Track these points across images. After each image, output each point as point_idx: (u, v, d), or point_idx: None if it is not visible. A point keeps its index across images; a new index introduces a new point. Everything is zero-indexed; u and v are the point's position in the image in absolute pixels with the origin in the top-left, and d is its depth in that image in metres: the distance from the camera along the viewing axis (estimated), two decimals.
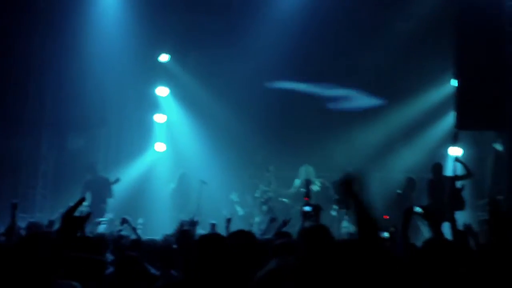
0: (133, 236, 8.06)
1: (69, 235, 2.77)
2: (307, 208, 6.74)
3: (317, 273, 3.85)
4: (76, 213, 3.13)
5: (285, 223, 8.43)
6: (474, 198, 13.31)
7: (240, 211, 14.84)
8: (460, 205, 11.44)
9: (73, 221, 2.80)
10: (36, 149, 14.23)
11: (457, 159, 11.45)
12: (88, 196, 12.98)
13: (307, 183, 8.78)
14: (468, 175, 11.59)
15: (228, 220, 8.75)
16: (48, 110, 14.18)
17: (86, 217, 2.90)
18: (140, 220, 8.97)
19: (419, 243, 6.53)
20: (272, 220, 8.88)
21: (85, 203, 12.65)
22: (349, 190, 3.78)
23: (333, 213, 14.36)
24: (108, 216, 9.68)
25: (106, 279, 5.18)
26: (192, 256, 3.43)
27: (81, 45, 13.96)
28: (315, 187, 14.93)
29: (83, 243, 5.04)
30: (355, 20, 15.37)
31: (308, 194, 7.88)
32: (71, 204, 9.65)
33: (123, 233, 8.31)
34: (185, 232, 6.51)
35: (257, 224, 13.61)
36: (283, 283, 2.35)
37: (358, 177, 3.85)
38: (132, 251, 6.18)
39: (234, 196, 15.05)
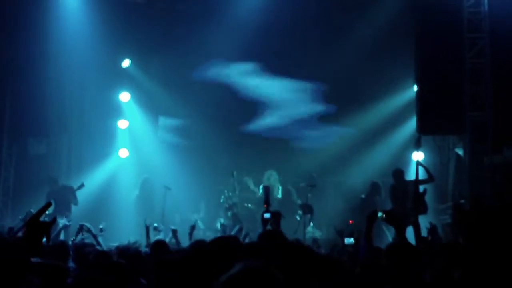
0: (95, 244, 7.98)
1: (35, 240, 2.72)
2: (266, 215, 6.72)
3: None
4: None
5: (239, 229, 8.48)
6: (437, 202, 13.49)
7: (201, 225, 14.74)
8: (423, 209, 11.57)
9: (39, 226, 2.75)
10: None
11: (418, 163, 11.57)
12: (52, 206, 12.76)
13: (266, 189, 8.74)
14: (429, 179, 11.75)
15: (192, 227, 8.73)
16: (8, 115, 13.90)
17: (51, 223, 2.85)
18: (101, 225, 8.85)
19: (384, 247, 6.61)
20: (240, 229, 8.89)
21: (47, 211, 12.45)
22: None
23: (298, 218, 14.44)
24: (62, 222, 9.56)
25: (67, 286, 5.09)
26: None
27: (42, 49, 13.74)
28: (278, 193, 15.00)
29: (45, 249, 4.95)
30: (319, 22, 15.45)
31: (267, 201, 7.84)
32: (33, 210, 9.54)
33: (87, 240, 8.20)
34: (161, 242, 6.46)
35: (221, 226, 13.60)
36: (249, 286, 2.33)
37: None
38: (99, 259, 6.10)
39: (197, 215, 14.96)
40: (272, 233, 5.40)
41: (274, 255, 4.31)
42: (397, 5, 14.08)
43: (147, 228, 8.96)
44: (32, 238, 2.72)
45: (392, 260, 4.45)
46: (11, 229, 9.46)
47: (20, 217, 11.23)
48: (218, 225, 13.88)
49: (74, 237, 8.63)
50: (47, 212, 9.15)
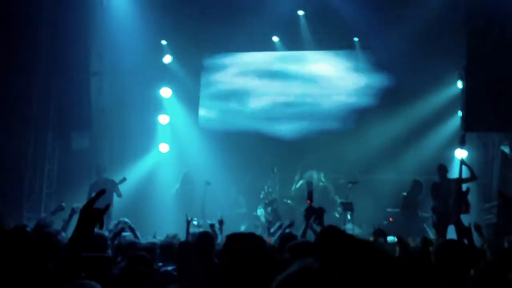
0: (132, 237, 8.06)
1: (88, 227, 2.71)
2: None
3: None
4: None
5: (290, 225, 8.38)
6: (481, 201, 13.24)
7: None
8: (466, 208, 11.34)
9: (92, 214, 2.74)
10: (40, 150, 14.20)
11: (462, 161, 11.34)
12: None
13: (309, 185, 8.67)
14: (472, 177, 11.47)
15: (221, 222, 8.66)
16: (53, 110, 14.14)
17: (104, 210, 2.82)
18: (126, 219, 8.91)
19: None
20: (280, 226, 8.82)
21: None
22: None
23: (337, 215, 14.33)
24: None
25: (113, 277, 5.13)
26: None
27: (86, 45, 13.93)
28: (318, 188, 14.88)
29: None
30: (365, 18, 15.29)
31: (310, 197, 7.78)
32: (64, 204, 9.62)
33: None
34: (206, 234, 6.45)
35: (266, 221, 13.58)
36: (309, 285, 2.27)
37: None
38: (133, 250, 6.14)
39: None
40: (333, 230, 5.27)
41: (336, 253, 4.21)
42: (445, 1, 13.81)
43: (188, 223, 8.96)
44: (86, 225, 2.71)
45: (443, 258, 4.33)
46: (39, 221, 9.56)
47: (51, 210, 11.42)
48: (259, 213, 13.89)
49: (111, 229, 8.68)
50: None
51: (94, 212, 2.75)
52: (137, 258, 4.78)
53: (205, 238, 6.08)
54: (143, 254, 4.96)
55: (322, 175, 15.21)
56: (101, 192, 2.95)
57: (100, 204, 2.86)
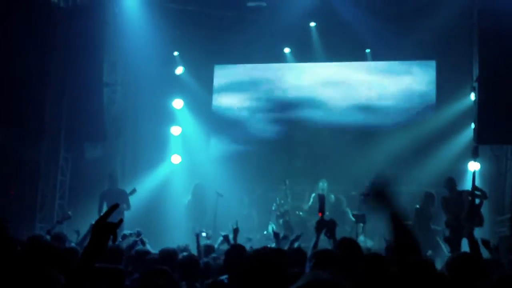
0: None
1: (102, 241, 2.73)
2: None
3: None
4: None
5: (297, 237, 8.34)
6: (494, 213, 13.14)
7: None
8: (479, 221, 11.24)
9: (105, 228, 2.76)
10: (53, 160, 14.26)
11: (474, 175, 11.26)
12: (105, 207, 12.98)
13: (321, 198, 8.62)
14: (483, 196, 11.34)
15: (235, 230, 8.59)
16: (65, 120, 14.21)
17: (118, 223, 2.84)
18: (137, 229, 8.94)
19: (440, 259, 6.45)
20: (284, 237, 8.77)
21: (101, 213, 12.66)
22: (381, 198, 3.69)
23: (348, 228, 14.25)
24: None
25: None
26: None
27: (98, 56, 14.01)
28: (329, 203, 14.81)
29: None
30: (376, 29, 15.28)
31: (322, 209, 7.75)
32: (70, 213, 9.62)
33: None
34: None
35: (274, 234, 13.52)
36: None
37: (388, 185, 3.77)
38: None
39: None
40: (348, 242, 5.28)
41: (349, 265, 4.23)
42: (457, 10, 13.78)
43: (197, 236, 8.95)
44: (99, 239, 2.73)
45: (456, 272, 4.31)
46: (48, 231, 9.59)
47: (56, 219, 11.46)
48: (270, 229, 13.84)
49: (121, 240, 8.70)
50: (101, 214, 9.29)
51: (108, 226, 2.77)
52: (155, 271, 4.77)
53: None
54: (163, 268, 4.95)
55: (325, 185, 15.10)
56: (115, 206, 2.97)
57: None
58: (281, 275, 3.24)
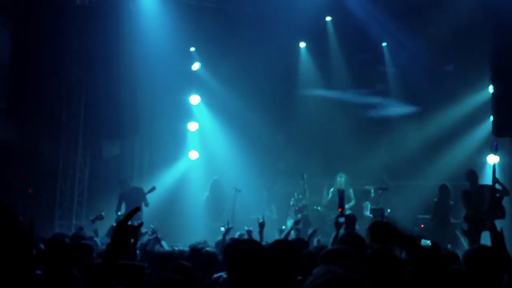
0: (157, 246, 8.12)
1: (122, 243, 2.79)
2: (341, 220, 6.62)
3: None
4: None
5: (313, 232, 8.30)
6: None
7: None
8: (500, 214, 11.18)
9: (126, 230, 2.81)
10: (72, 158, 14.37)
11: (494, 168, 11.20)
12: (123, 207, 13.08)
13: (340, 193, 8.62)
14: (505, 192, 11.28)
15: (261, 224, 8.53)
16: (83, 118, 14.32)
17: (139, 226, 2.91)
18: (152, 226, 9.01)
19: (460, 252, 6.41)
20: (314, 232, 8.71)
21: (119, 213, 12.75)
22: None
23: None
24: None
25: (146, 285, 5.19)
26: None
27: (116, 53, 14.04)
28: (351, 196, 14.78)
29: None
30: (391, 24, 15.23)
31: (342, 204, 7.76)
32: (102, 213, 9.81)
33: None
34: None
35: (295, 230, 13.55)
36: None
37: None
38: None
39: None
40: (352, 236, 5.29)
41: (356, 260, 4.24)
42: (473, 4, 13.68)
43: (226, 230, 8.89)
44: (120, 241, 2.79)
45: (473, 266, 4.28)
46: (80, 228, 9.70)
47: (90, 217, 11.58)
48: (289, 224, 13.85)
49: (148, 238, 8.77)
50: (119, 213, 9.46)
51: (129, 228, 2.83)
52: (176, 267, 4.82)
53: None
54: (183, 263, 5.00)
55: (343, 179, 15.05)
56: (136, 209, 3.05)
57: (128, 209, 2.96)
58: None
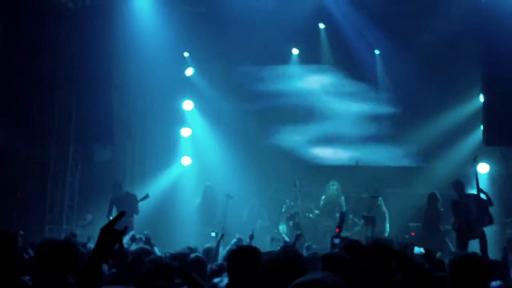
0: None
1: (107, 248, 2.81)
2: (336, 240, 6.67)
3: None
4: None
5: (297, 237, 8.43)
6: (502, 215, 13.10)
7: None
8: (488, 220, 11.26)
9: (112, 235, 2.84)
10: (62, 162, 14.33)
11: (477, 175, 11.37)
12: (114, 211, 13.02)
13: (342, 215, 8.77)
14: (489, 203, 11.36)
15: (251, 236, 8.73)
16: (74, 122, 14.27)
17: (124, 231, 2.93)
18: (146, 232, 9.00)
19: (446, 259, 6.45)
20: (298, 236, 8.82)
21: (111, 217, 12.72)
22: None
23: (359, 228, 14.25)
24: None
25: None
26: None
27: (108, 57, 14.03)
28: (343, 204, 14.81)
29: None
30: (383, 29, 15.31)
31: (340, 226, 7.86)
32: (89, 217, 9.80)
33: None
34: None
35: (282, 233, 13.67)
36: None
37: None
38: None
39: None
40: (353, 244, 5.33)
41: (354, 266, 4.28)
42: (464, 13, 13.76)
43: (221, 236, 8.96)
44: (105, 246, 2.81)
45: (456, 272, 4.32)
46: (73, 234, 9.68)
47: (78, 224, 11.56)
48: (281, 229, 13.91)
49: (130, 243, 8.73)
50: (110, 217, 9.45)
51: (115, 233, 2.85)
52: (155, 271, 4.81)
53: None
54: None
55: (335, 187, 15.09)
56: (122, 214, 3.06)
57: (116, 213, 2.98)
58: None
